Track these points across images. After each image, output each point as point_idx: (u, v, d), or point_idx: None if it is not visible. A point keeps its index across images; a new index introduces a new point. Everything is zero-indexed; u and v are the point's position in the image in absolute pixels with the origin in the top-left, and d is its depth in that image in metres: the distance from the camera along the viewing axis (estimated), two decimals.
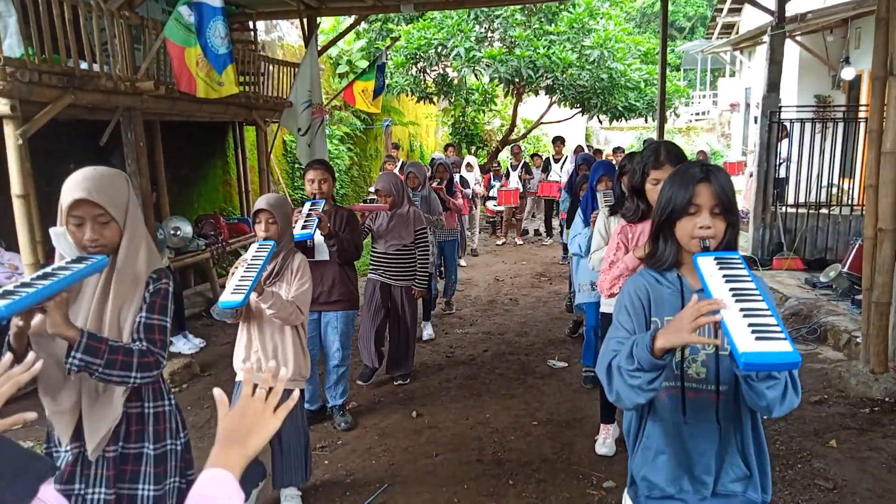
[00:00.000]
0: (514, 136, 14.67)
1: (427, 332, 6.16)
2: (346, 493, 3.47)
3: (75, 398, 1.93)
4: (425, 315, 6.19)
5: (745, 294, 1.43)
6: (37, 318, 1.74)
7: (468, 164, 10.55)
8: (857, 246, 6.29)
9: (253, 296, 2.91)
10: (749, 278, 1.48)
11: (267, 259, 2.86)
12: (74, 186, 1.87)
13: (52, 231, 1.96)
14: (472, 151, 15.00)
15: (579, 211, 4.49)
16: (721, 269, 1.51)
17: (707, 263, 1.53)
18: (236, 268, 2.94)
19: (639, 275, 1.80)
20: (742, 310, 1.39)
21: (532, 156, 12.22)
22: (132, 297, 1.97)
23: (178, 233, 6.35)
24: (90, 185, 1.88)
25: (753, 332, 1.33)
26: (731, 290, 1.44)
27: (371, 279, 4.90)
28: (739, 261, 1.54)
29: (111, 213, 1.90)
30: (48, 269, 1.74)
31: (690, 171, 1.66)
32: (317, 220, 3.63)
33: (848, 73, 10.00)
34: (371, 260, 4.95)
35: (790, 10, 8.28)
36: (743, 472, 1.74)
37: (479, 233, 11.57)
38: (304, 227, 3.59)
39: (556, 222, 11.02)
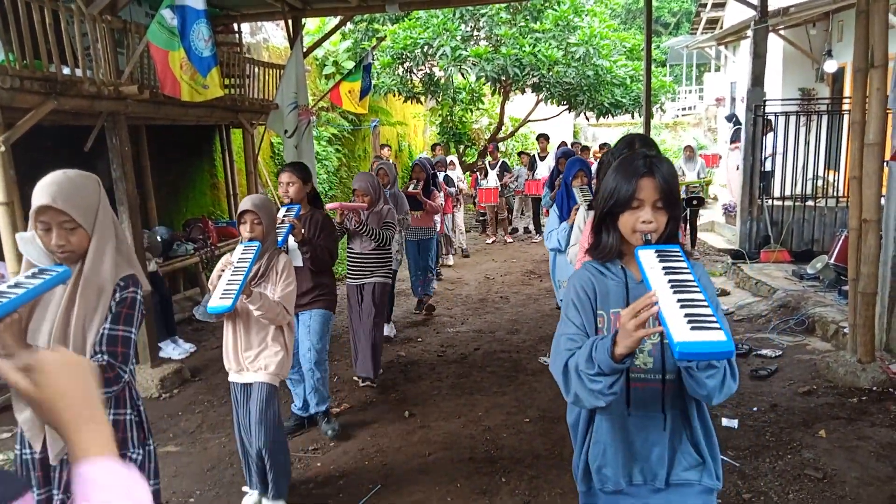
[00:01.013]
0: (501, 135, 14.68)
1: (386, 328, 6.01)
2: (339, 495, 3.46)
3: None
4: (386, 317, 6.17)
5: (684, 285, 1.45)
6: None
7: (451, 163, 10.60)
8: (843, 237, 6.35)
9: (248, 304, 2.92)
10: (687, 270, 1.50)
11: (253, 261, 2.87)
12: (41, 192, 1.84)
13: (18, 237, 1.94)
14: (461, 150, 15.00)
15: (554, 207, 4.49)
16: (661, 261, 1.53)
17: (648, 256, 1.55)
18: (222, 270, 2.93)
19: (583, 268, 1.80)
20: (679, 300, 1.40)
21: (519, 154, 12.25)
22: (98, 306, 1.92)
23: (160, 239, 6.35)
24: (56, 191, 1.85)
25: (689, 322, 1.34)
26: (670, 281, 1.46)
27: (349, 285, 4.91)
28: (679, 253, 1.56)
29: (77, 220, 1.87)
30: (2, 287, 1.65)
31: (634, 165, 1.65)
32: (289, 228, 3.59)
33: (831, 66, 10.07)
34: (347, 260, 4.93)
35: (773, 5, 8.34)
36: (696, 460, 1.74)
37: (468, 231, 11.60)
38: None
39: (544, 220, 11.07)
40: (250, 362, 3.11)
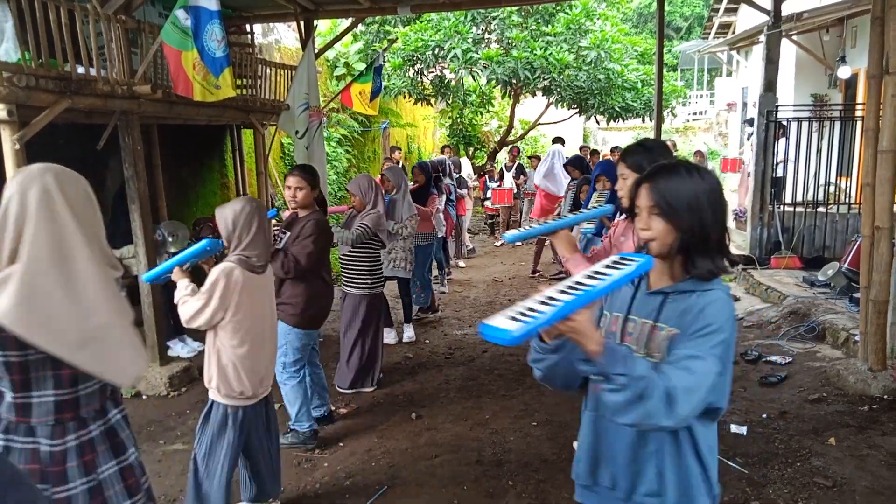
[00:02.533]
0: (511, 137, 14.68)
1: (407, 333, 6.16)
2: (345, 496, 3.47)
3: None
4: (406, 318, 6.23)
5: (571, 289, 1.38)
6: None
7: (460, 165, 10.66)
8: (857, 243, 6.31)
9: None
10: (602, 282, 1.39)
11: (196, 251, 2.94)
12: None
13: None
14: (471, 153, 15.01)
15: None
16: (609, 266, 1.47)
17: (611, 259, 1.50)
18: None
19: None
20: (546, 296, 1.36)
21: (529, 157, 12.25)
22: None
23: (176, 237, 6.35)
24: None
25: (520, 313, 1.32)
26: (576, 280, 1.41)
27: (344, 291, 4.95)
28: (630, 263, 1.46)
29: None
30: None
31: (643, 175, 1.67)
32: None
33: (844, 72, 10.01)
34: (340, 266, 4.96)
35: (786, 10, 8.29)
36: (654, 489, 1.63)
37: (476, 234, 11.61)
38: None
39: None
40: (269, 375, 3.16)
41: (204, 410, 3.03)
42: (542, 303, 1.35)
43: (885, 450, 3.68)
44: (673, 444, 1.61)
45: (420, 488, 3.51)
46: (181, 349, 5.86)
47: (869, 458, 3.61)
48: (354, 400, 4.76)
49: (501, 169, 11.65)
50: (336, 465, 3.81)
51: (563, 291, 1.38)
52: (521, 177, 11.57)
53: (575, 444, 1.85)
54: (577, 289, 1.38)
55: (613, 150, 12.34)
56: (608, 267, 1.45)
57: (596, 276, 1.42)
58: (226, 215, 2.90)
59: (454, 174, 9.53)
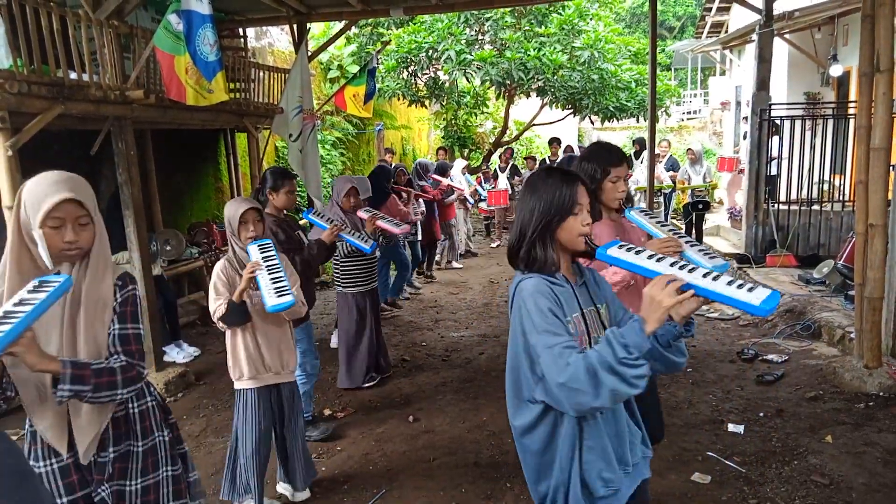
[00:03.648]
0: (506, 138, 14.68)
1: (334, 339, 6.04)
2: (343, 499, 3.46)
3: (61, 410, 1.90)
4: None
5: (7, 316, 1.57)
6: (8, 359, 1.67)
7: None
8: (853, 240, 6.33)
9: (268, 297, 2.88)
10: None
11: (277, 254, 2.97)
12: (54, 187, 1.80)
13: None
14: (465, 154, 15.01)
15: None
16: (649, 217, 1.77)
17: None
18: (229, 271, 2.99)
19: (538, 281, 1.78)
20: (704, 274, 1.53)
21: (526, 158, 12.27)
22: (103, 306, 1.92)
23: (169, 246, 6.37)
24: (72, 186, 1.83)
25: (731, 284, 1.48)
26: (6, 310, 1.60)
27: (338, 293, 5.03)
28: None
29: (91, 215, 1.87)
30: (7, 307, 1.62)
31: (567, 174, 1.84)
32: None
33: (836, 70, 10.05)
34: (334, 268, 5.06)
35: (778, 8, 8.32)
36: (638, 433, 1.94)
37: (474, 235, 11.61)
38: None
39: None
40: (276, 361, 3.17)
41: (294, 394, 3.34)
42: (708, 273, 1.53)
43: (881, 447, 3.69)
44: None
45: (418, 491, 3.50)
46: (177, 354, 5.85)
47: (865, 455, 3.62)
48: (351, 403, 4.75)
49: (495, 170, 11.65)
50: (334, 468, 3.80)
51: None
52: (516, 177, 11.58)
53: (588, 465, 1.83)
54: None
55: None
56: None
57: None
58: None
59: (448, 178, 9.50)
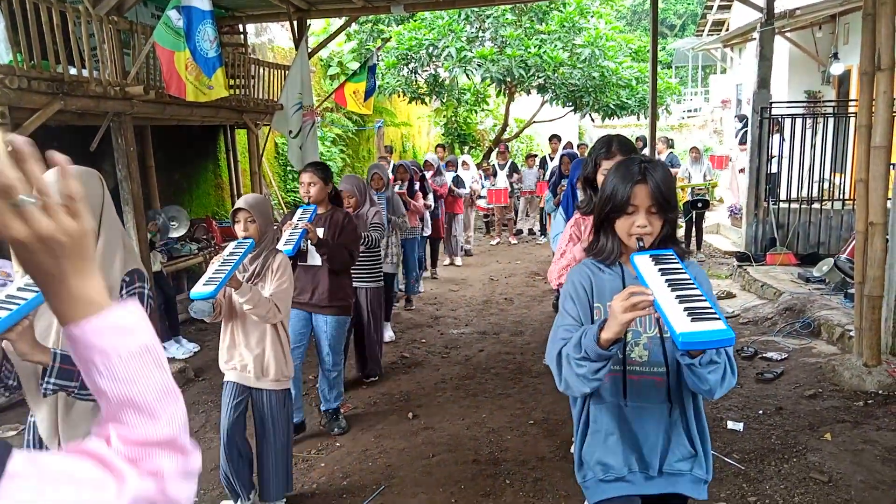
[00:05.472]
0: (506, 136, 14.66)
1: (388, 333, 6.06)
2: (342, 496, 3.46)
3: (52, 405, 1.90)
4: (385, 316, 6.13)
5: (680, 284, 1.52)
6: (5, 343, 1.67)
7: (464, 163, 10.56)
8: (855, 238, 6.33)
9: (235, 295, 2.90)
10: (683, 271, 1.57)
11: (244, 255, 2.84)
12: None
13: None
14: (466, 151, 15.00)
15: (560, 209, 4.47)
16: (657, 264, 1.60)
17: (643, 262, 1.63)
18: (211, 265, 2.93)
19: (582, 264, 1.88)
20: (678, 297, 1.47)
21: (527, 157, 12.22)
22: None
23: (175, 222, 6.40)
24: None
25: (689, 314, 1.41)
26: (667, 280, 1.53)
27: None
28: (673, 256, 1.63)
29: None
30: (8, 291, 1.61)
31: (630, 171, 1.73)
32: (302, 232, 3.63)
33: (837, 69, 10.05)
34: None
35: (779, 7, 8.32)
36: (689, 452, 1.83)
37: (474, 232, 11.59)
38: (287, 241, 3.56)
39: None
40: (251, 366, 3.10)
41: (271, 405, 3.21)
42: (686, 299, 1.47)
43: (880, 445, 3.69)
44: (690, 404, 1.82)
45: (417, 488, 3.50)
46: (176, 350, 5.85)
47: (864, 453, 3.62)
48: (350, 400, 4.75)
49: (494, 167, 11.61)
50: (333, 465, 3.80)
51: None
52: (515, 175, 11.53)
53: (572, 449, 1.87)
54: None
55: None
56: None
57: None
58: (267, 210, 3.15)
59: (446, 172, 9.51)
